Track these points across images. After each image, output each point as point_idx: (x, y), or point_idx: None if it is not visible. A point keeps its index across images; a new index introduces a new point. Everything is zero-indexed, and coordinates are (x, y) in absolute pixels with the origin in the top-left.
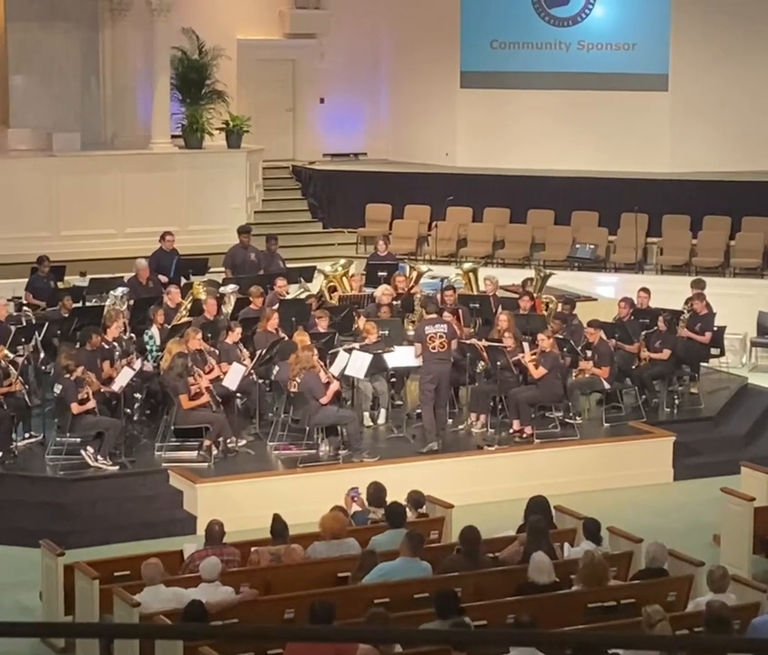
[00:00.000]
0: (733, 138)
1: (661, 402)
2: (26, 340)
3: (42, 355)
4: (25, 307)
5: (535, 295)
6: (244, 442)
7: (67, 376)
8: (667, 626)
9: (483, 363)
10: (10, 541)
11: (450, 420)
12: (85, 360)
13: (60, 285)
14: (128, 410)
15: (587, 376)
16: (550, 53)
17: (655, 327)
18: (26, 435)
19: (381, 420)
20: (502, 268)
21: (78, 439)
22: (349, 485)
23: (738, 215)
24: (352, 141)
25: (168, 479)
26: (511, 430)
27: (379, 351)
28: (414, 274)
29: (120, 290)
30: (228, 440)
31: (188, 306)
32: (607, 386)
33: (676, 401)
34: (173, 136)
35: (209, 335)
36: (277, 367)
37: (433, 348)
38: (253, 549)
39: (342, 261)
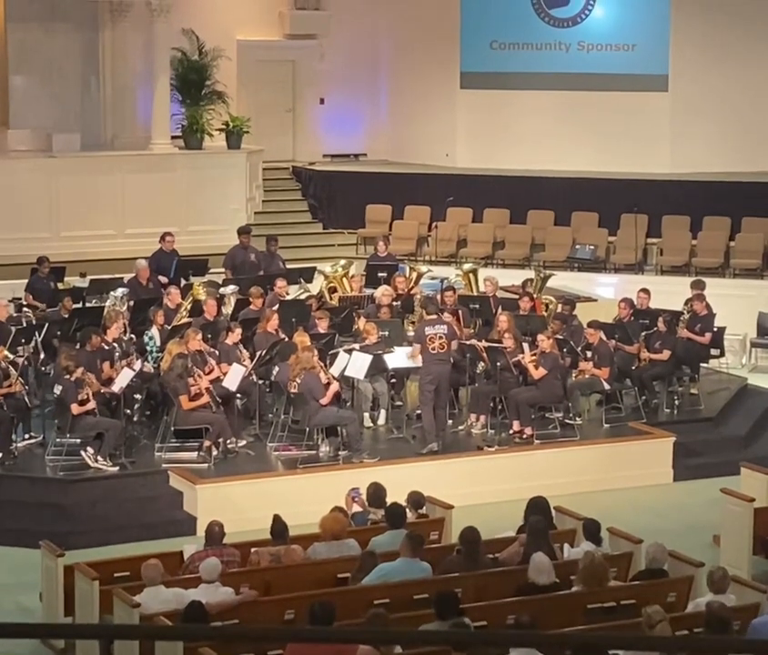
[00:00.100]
0: (733, 139)
1: (660, 403)
2: (26, 341)
3: (42, 356)
4: (24, 308)
5: (535, 295)
6: (244, 443)
7: (67, 377)
8: (667, 627)
9: (483, 364)
10: (10, 542)
11: (450, 421)
12: (85, 361)
13: (60, 286)
14: (128, 411)
15: (587, 376)
16: (550, 53)
17: (655, 328)
18: (26, 436)
19: (381, 421)
20: (502, 269)
21: (78, 440)
22: (349, 486)
23: (738, 215)
24: (352, 142)
25: (168, 480)
26: (511, 431)
27: (379, 352)
28: (414, 275)
29: (120, 291)
30: (228, 441)
31: (188, 306)
32: (607, 386)
33: (676, 402)
34: (173, 137)
35: (209, 336)
36: (277, 368)
37: (433, 349)
38: (253, 549)
39: (342, 262)
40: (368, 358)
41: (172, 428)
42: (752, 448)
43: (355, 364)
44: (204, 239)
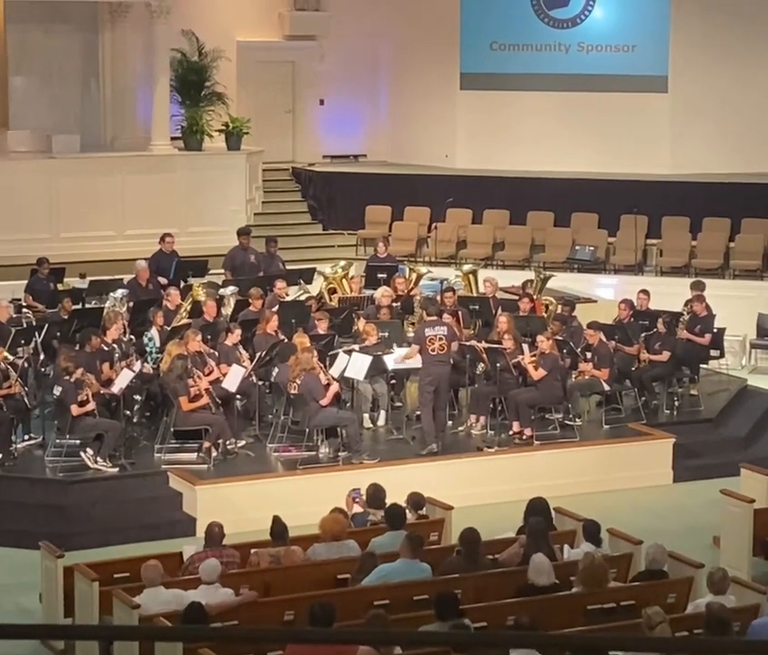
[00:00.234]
0: (733, 139)
1: (660, 404)
2: (26, 342)
3: (41, 357)
4: (24, 309)
5: (535, 296)
6: (243, 444)
7: (67, 378)
8: (667, 628)
9: (483, 365)
10: (10, 543)
11: (450, 422)
12: (85, 362)
13: (60, 286)
14: (128, 412)
15: (587, 377)
16: (550, 54)
17: (655, 329)
18: (26, 437)
19: (381, 422)
20: (502, 270)
21: (78, 441)
22: (349, 487)
23: (738, 216)
24: (352, 143)
25: (168, 481)
26: (511, 432)
27: (379, 353)
28: (414, 276)
29: (120, 292)
30: (228, 442)
31: (188, 307)
32: (607, 387)
33: (676, 403)
34: (173, 138)
35: (209, 337)
36: (276, 369)
37: (433, 351)
38: (253, 550)
39: (342, 263)
40: (367, 359)
41: (172, 429)
42: (752, 449)
43: (355, 365)
44: (203, 240)
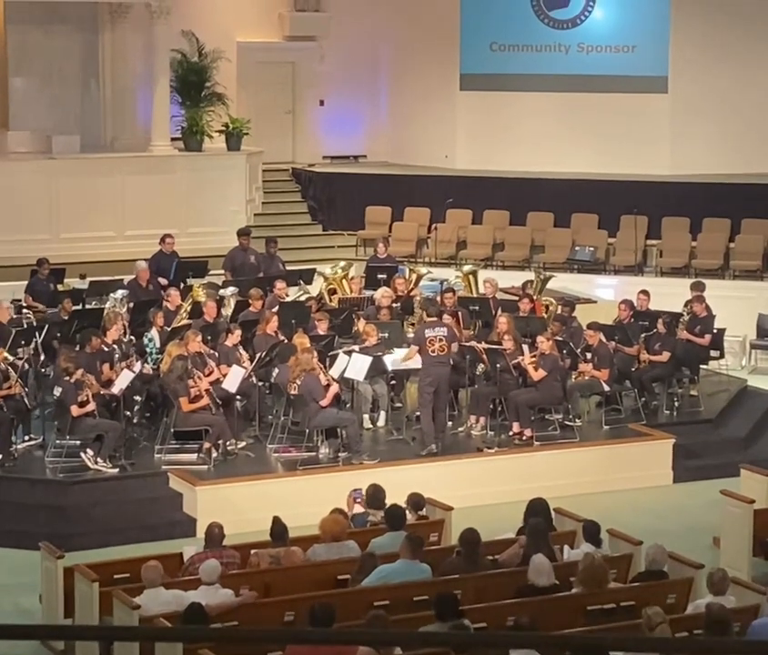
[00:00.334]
0: (733, 140)
1: (660, 404)
2: (26, 343)
3: (42, 357)
4: (24, 310)
5: (535, 297)
6: (244, 444)
7: (67, 378)
8: (667, 628)
9: (483, 365)
10: (10, 544)
11: (450, 423)
12: (85, 363)
13: (60, 287)
14: (128, 413)
15: (586, 378)
16: (550, 55)
17: (655, 330)
18: (26, 437)
19: (381, 423)
20: (502, 271)
21: (78, 442)
22: (349, 487)
23: (738, 217)
24: (352, 143)
25: (168, 482)
26: (511, 433)
27: (379, 354)
28: (414, 276)
29: (120, 293)
30: (228, 443)
31: (188, 308)
32: (606, 388)
33: (676, 403)
34: (173, 139)
35: (209, 337)
36: (276, 370)
37: (433, 352)
38: (253, 551)
39: (342, 263)
40: (367, 360)
41: (172, 430)
42: (752, 450)
43: (355, 365)
44: (204, 241)
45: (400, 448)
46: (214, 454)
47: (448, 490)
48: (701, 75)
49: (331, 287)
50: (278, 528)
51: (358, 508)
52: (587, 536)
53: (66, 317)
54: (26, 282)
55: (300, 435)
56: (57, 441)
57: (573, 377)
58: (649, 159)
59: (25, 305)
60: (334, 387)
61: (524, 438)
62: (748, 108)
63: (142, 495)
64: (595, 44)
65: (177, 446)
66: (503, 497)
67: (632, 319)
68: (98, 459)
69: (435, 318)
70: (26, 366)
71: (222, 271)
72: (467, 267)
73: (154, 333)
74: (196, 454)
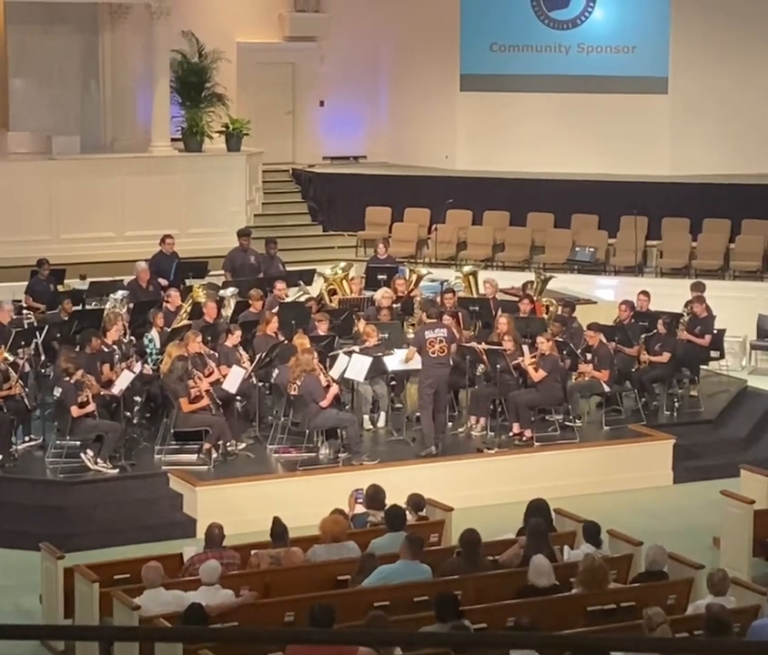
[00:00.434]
0: (733, 140)
1: (660, 405)
2: (26, 343)
3: (42, 358)
4: (25, 311)
5: (535, 298)
6: (244, 445)
7: (67, 379)
8: (667, 629)
9: (483, 366)
10: (10, 544)
11: (450, 423)
12: (85, 363)
13: (60, 288)
14: (128, 413)
15: (587, 379)
16: (550, 56)
17: (655, 330)
18: (26, 438)
19: (381, 423)
20: (502, 271)
21: (78, 442)
22: (349, 488)
23: (738, 217)
24: (352, 144)
25: (168, 482)
26: (511, 433)
27: (379, 354)
28: (414, 277)
29: (120, 293)
30: (228, 443)
31: (188, 309)
32: (607, 389)
33: (676, 404)
34: (173, 140)
35: (209, 338)
36: (276, 371)
37: (433, 353)
38: (253, 552)
39: (342, 264)
40: (367, 361)
41: (172, 431)
42: (752, 451)
43: (355, 366)
44: (204, 242)
45: (400, 448)
46: (214, 454)
47: (448, 491)
48: (701, 76)
49: (331, 287)
50: (279, 528)
51: (360, 509)
52: (587, 536)
53: (66, 318)
54: (26, 283)
55: (300, 435)
56: (57, 442)
57: (573, 377)
58: (649, 160)
59: (25, 305)
60: (334, 388)
61: (524, 438)
62: (748, 108)
63: (142, 495)
64: (595, 44)
65: (177, 446)
66: (503, 497)
67: (633, 320)
68: (98, 460)
69: (435, 319)
70: (27, 366)
71: (222, 272)
72: (467, 268)
73: (154, 334)
74: (196, 454)
